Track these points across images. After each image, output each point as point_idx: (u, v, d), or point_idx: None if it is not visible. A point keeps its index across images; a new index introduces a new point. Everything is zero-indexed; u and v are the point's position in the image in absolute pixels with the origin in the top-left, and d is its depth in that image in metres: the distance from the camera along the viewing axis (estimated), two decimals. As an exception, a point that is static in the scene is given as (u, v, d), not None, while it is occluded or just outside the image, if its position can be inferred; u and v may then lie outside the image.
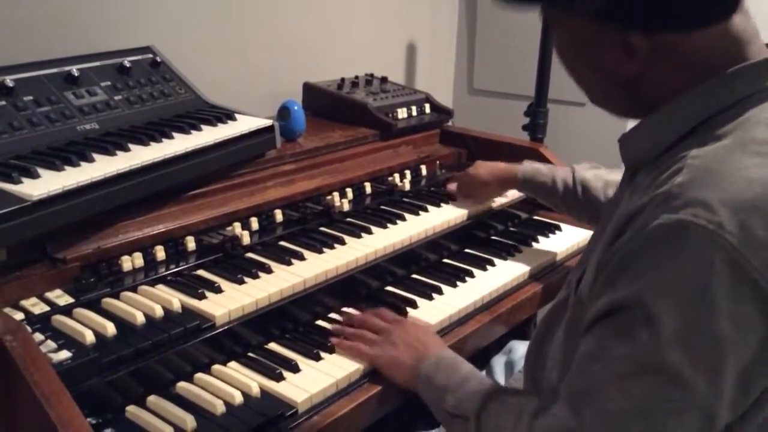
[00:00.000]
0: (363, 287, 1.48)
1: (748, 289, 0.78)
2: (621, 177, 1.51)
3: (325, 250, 1.46)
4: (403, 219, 1.66)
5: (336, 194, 1.66)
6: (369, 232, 1.56)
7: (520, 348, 1.62)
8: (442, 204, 1.77)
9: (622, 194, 1.04)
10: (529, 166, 1.73)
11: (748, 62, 0.89)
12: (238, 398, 1.11)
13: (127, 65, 1.57)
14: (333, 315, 1.40)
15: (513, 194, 1.88)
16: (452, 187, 1.82)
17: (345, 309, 1.42)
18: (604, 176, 1.62)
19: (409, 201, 1.78)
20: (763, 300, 0.78)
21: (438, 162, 2.01)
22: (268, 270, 1.35)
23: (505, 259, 1.70)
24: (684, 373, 0.79)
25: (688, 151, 0.87)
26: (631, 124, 1.00)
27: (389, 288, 1.52)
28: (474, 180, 1.78)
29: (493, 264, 1.66)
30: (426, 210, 1.73)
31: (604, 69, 0.94)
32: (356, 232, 1.55)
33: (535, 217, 1.97)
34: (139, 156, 1.32)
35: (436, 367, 1.16)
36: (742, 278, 0.78)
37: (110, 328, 1.11)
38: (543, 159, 1.99)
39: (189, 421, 1.04)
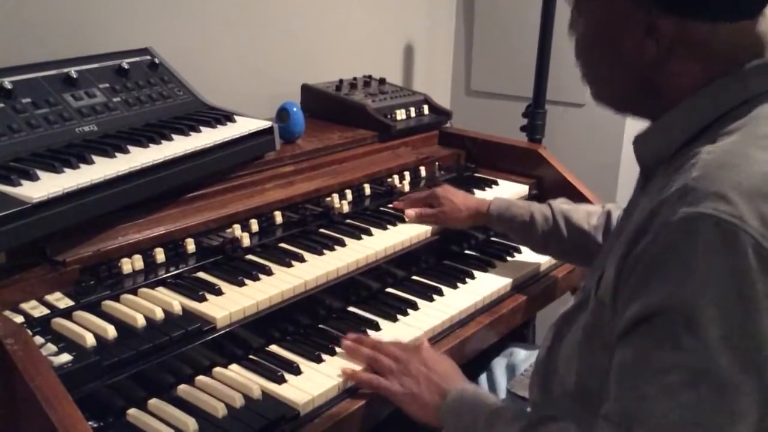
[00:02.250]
0: (364, 289, 1.47)
1: None
2: (599, 209, 1.51)
3: (325, 251, 1.45)
4: (403, 220, 1.66)
5: (335, 196, 1.66)
6: (369, 233, 1.56)
7: (519, 351, 1.62)
8: (441, 205, 1.77)
9: (637, 198, 1.04)
10: (501, 201, 1.63)
11: (761, 61, 0.90)
12: (239, 401, 1.10)
13: (126, 67, 1.56)
14: (335, 317, 1.40)
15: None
16: (411, 213, 1.66)
17: (349, 309, 1.42)
18: (584, 207, 1.57)
19: (409, 202, 1.77)
20: None
21: (437, 163, 2.00)
22: (269, 272, 1.35)
23: (505, 260, 1.71)
24: (735, 376, 0.77)
25: (701, 148, 0.87)
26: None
27: (390, 290, 1.52)
28: (448, 213, 1.64)
29: (493, 265, 1.66)
30: (426, 211, 1.72)
31: (626, 53, 0.93)
32: (356, 233, 1.55)
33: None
34: (138, 158, 1.31)
35: (460, 402, 1.12)
36: None
37: (111, 331, 1.10)
38: (542, 160, 2.00)
39: (190, 424, 1.03)
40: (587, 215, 1.53)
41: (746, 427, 0.79)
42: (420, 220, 1.66)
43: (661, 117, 0.96)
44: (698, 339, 0.78)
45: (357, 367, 1.22)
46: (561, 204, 1.58)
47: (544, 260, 1.71)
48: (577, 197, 1.86)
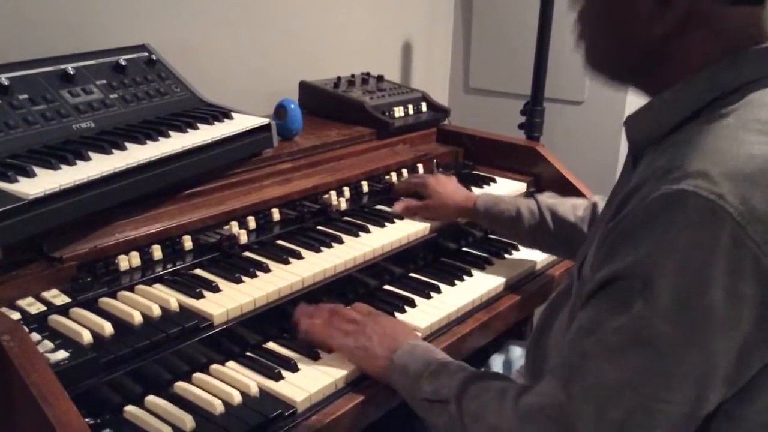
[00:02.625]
0: (361, 286, 1.47)
1: (749, 264, 0.78)
2: (585, 201, 1.52)
3: (322, 249, 1.45)
4: (401, 217, 1.65)
5: (333, 193, 1.66)
6: (367, 231, 1.56)
7: (517, 348, 1.62)
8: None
9: (624, 179, 1.04)
10: (488, 196, 1.64)
11: (757, 47, 0.90)
12: (236, 398, 1.10)
13: (123, 63, 1.56)
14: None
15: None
16: (398, 206, 1.67)
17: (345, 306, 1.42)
18: (570, 200, 1.59)
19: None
20: (761, 277, 0.78)
21: (435, 160, 2.00)
22: (266, 269, 1.34)
23: (503, 257, 1.71)
24: (676, 346, 0.79)
25: (691, 129, 0.88)
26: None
27: (387, 287, 1.52)
28: (435, 207, 1.65)
29: (491, 263, 1.66)
30: (423, 208, 1.72)
31: (635, 22, 0.92)
32: (354, 231, 1.54)
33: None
34: (135, 155, 1.31)
35: (410, 354, 1.15)
36: (744, 253, 0.78)
37: (108, 328, 1.10)
38: (540, 157, 2.00)
39: (187, 421, 1.03)
40: (573, 207, 1.54)
41: (680, 400, 0.80)
42: (407, 213, 1.66)
43: (654, 97, 0.96)
44: (648, 305, 0.79)
45: (351, 367, 1.22)
46: (547, 198, 1.59)
47: (540, 258, 1.71)
48: (575, 195, 1.86)
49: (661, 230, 0.80)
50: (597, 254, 0.90)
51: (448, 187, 1.68)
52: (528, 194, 1.96)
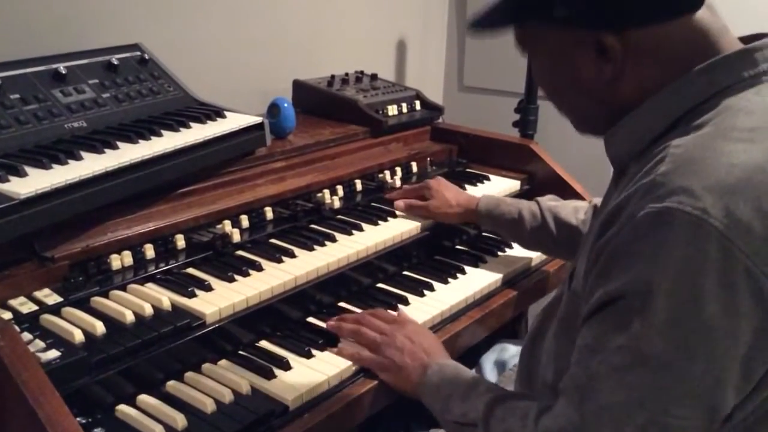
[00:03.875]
0: (354, 284, 1.47)
1: (741, 275, 0.78)
2: (586, 204, 1.53)
3: (315, 247, 1.45)
4: (395, 216, 1.65)
5: (326, 191, 1.66)
6: (360, 229, 1.56)
7: (510, 347, 1.62)
8: (433, 201, 1.77)
9: (610, 193, 1.05)
10: (490, 198, 1.64)
11: (724, 54, 0.90)
12: (228, 396, 1.10)
13: (115, 63, 1.55)
14: (324, 312, 1.39)
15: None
16: (400, 203, 1.67)
17: (339, 304, 1.43)
18: (572, 203, 1.59)
19: (400, 198, 1.77)
20: (755, 288, 0.78)
21: (429, 159, 2.00)
22: (259, 268, 1.34)
23: (496, 255, 1.71)
24: (677, 361, 0.80)
25: (669, 142, 0.88)
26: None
27: (380, 285, 1.52)
28: (439, 207, 1.64)
29: (484, 260, 1.66)
30: (417, 207, 1.72)
31: (584, 78, 0.95)
32: (347, 229, 1.54)
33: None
34: (127, 154, 1.31)
35: (440, 375, 1.17)
36: (735, 265, 0.78)
37: (99, 327, 1.10)
38: (534, 155, 2.00)
39: (179, 419, 1.03)
40: (575, 210, 1.54)
41: (691, 414, 0.81)
42: (410, 211, 1.66)
43: (628, 115, 0.96)
44: (646, 324, 0.81)
45: (347, 363, 1.22)
46: (548, 201, 1.59)
47: (535, 255, 1.71)
48: (569, 193, 1.87)
49: (650, 249, 0.81)
50: (588, 272, 0.91)
51: (451, 189, 1.69)
52: (528, 196, 1.95)
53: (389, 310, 1.38)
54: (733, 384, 0.81)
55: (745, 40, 0.95)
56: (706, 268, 0.78)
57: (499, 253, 1.72)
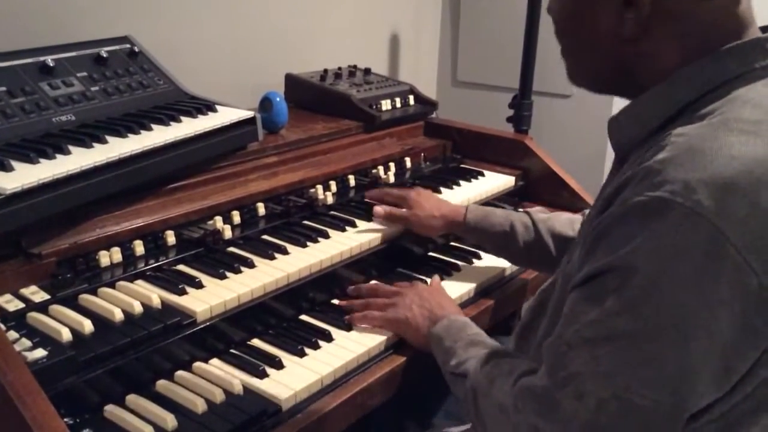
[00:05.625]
0: (347, 281, 1.45)
1: (726, 270, 0.77)
2: (579, 216, 1.50)
3: (308, 243, 1.43)
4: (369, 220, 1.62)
5: (319, 187, 1.64)
6: (353, 225, 1.54)
7: (504, 343, 1.60)
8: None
9: (610, 180, 1.03)
10: (478, 209, 1.54)
11: (739, 42, 0.89)
12: (219, 396, 1.08)
13: (104, 55, 1.53)
14: (318, 310, 1.38)
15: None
16: (380, 210, 1.56)
17: (332, 302, 1.41)
18: (565, 215, 1.53)
19: (394, 194, 1.75)
20: (739, 282, 0.78)
21: (422, 154, 1.99)
22: (251, 264, 1.32)
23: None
24: (646, 342, 0.80)
25: (672, 130, 0.87)
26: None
27: (374, 282, 1.50)
28: (421, 218, 1.54)
29: (479, 257, 1.65)
30: (411, 203, 1.70)
31: (602, 27, 0.93)
32: (340, 225, 1.52)
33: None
34: (116, 148, 1.28)
35: (446, 329, 1.21)
36: (722, 258, 0.77)
37: (87, 326, 1.08)
38: (528, 151, 1.98)
39: (169, 420, 1.01)
40: (570, 222, 1.48)
41: (656, 396, 0.80)
42: (389, 219, 1.56)
43: (635, 99, 0.95)
44: (620, 301, 0.82)
45: (340, 362, 1.20)
46: (539, 213, 1.53)
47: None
48: (564, 188, 1.86)
49: (639, 235, 0.81)
50: (582, 252, 0.92)
51: (431, 199, 1.59)
52: (523, 192, 1.94)
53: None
54: (706, 377, 0.81)
55: (764, 28, 0.93)
56: (690, 255, 0.78)
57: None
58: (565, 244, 1.43)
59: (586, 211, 1.50)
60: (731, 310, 0.78)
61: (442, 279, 1.50)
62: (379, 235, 1.52)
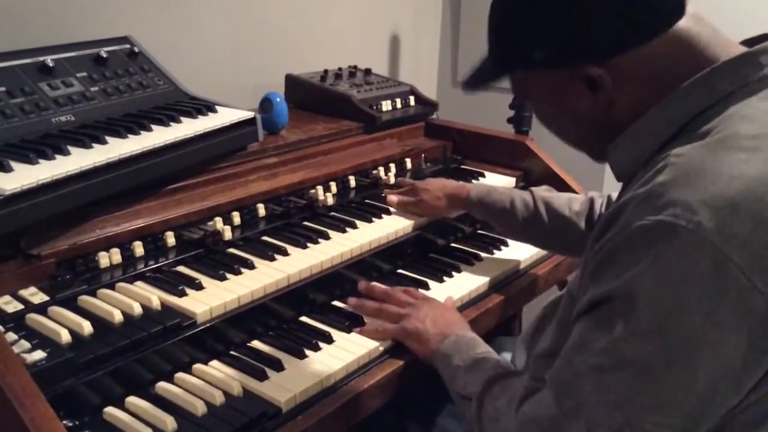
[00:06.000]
0: (348, 283, 1.45)
1: (732, 289, 0.77)
2: (582, 196, 1.55)
3: (308, 244, 1.43)
4: (388, 213, 1.63)
5: (320, 188, 1.63)
6: (353, 226, 1.53)
7: (506, 344, 1.61)
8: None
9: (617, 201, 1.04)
10: (481, 186, 1.63)
11: (723, 60, 0.89)
12: (219, 398, 1.08)
13: (104, 56, 1.52)
14: (318, 312, 1.37)
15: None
16: (393, 198, 1.66)
17: (333, 303, 1.40)
18: (566, 195, 1.58)
19: (394, 194, 1.74)
20: (744, 303, 0.77)
21: (423, 155, 1.98)
22: (251, 265, 1.32)
23: (492, 253, 1.69)
24: (656, 368, 0.80)
25: (671, 151, 0.87)
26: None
27: (375, 283, 1.49)
28: (427, 201, 1.62)
29: (480, 259, 1.64)
30: (411, 204, 1.70)
31: (583, 111, 0.96)
32: (340, 226, 1.52)
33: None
34: (116, 149, 1.28)
35: (454, 346, 1.21)
36: (726, 279, 0.77)
37: (87, 327, 1.07)
38: (529, 152, 1.98)
39: (169, 422, 1.01)
40: (569, 201, 1.52)
41: (669, 422, 0.80)
42: (402, 207, 1.65)
43: (630, 127, 0.96)
44: (629, 328, 0.81)
45: (341, 364, 1.20)
46: (542, 191, 1.57)
47: (530, 254, 1.69)
48: (564, 189, 1.85)
49: (643, 259, 0.81)
50: (584, 276, 0.92)
51: (437, 182, 1.66)
52: (523, 186, 1.94)
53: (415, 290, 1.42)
54: (717, 398, 0.80)
55: (751, 41, 0.93)
56: (695, 279, 0.78)
57: (495, 252, 1.69)
58: (561, 222, 1.49)
59: (591, 193, 1.52)
60: (738, 331, 0.78)
61: (449, 276, 1.53)
62: (379, 236, 1.51)
